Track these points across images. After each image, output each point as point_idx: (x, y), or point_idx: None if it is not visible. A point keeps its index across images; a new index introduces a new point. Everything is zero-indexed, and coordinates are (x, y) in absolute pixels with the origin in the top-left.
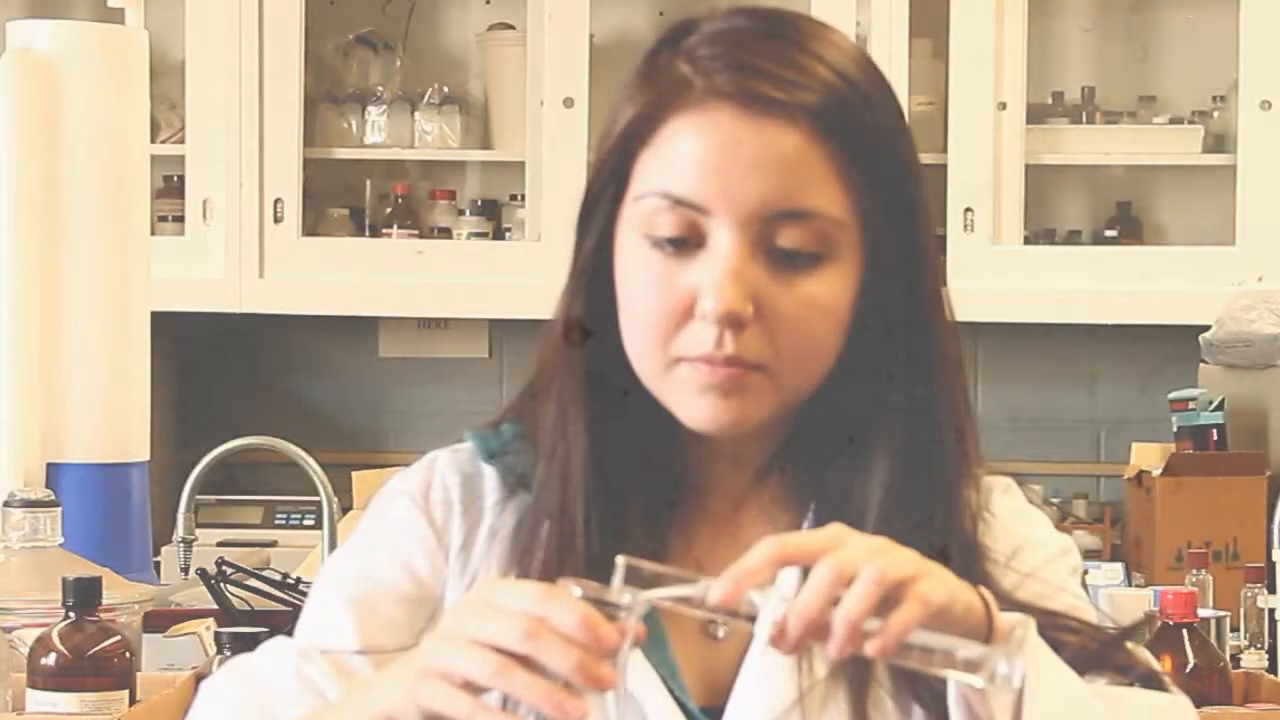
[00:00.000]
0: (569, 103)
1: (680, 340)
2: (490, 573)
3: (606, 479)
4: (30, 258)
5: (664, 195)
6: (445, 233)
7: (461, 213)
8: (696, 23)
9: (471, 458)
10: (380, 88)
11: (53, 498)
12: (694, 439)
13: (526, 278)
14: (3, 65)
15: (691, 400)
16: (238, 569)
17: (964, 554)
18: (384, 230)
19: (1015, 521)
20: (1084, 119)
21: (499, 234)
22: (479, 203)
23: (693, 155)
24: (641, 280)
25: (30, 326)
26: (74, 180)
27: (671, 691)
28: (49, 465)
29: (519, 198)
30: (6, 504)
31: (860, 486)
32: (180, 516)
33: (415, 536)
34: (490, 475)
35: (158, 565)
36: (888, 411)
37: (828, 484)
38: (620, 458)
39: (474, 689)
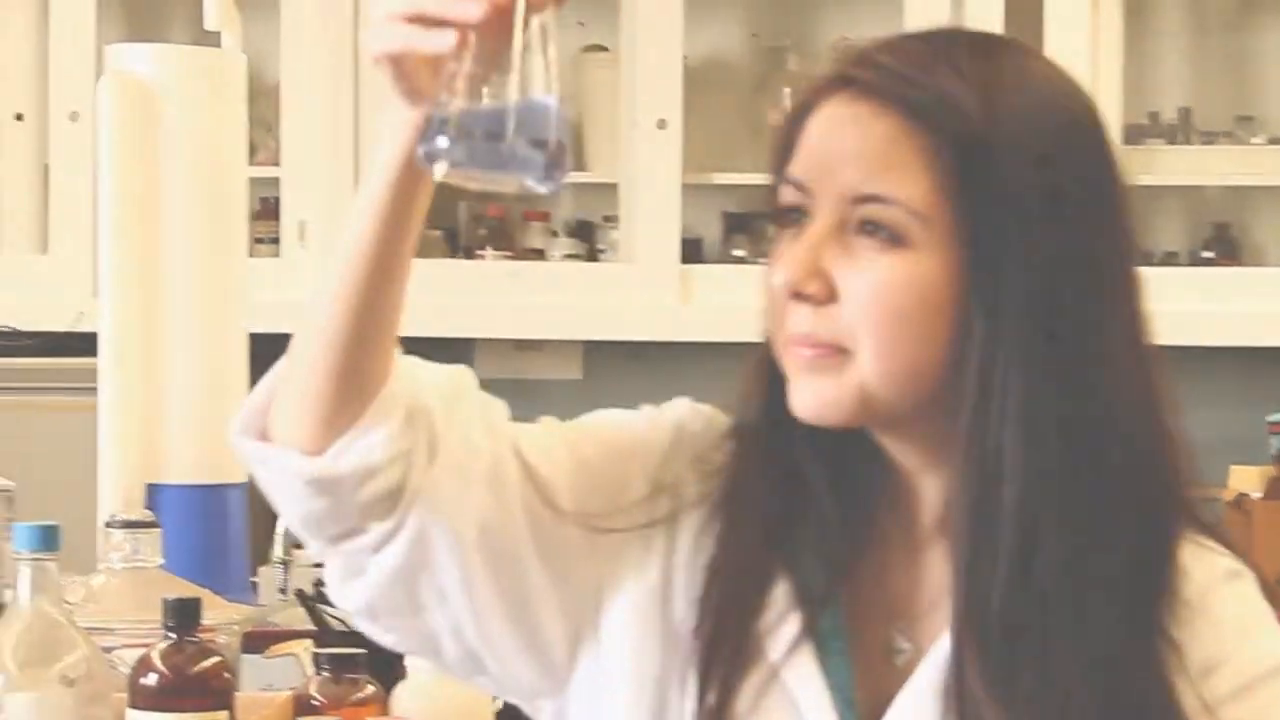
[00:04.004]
0: (662, 124)
1: (786, 323)
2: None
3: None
4: (129, 280)
5: (784, 177)
6: (539, 254)
7: (555, 234)
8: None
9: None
10: None
11: (152, 519)
12: (873, 471)
13: (620, 299)
14: (102, 88)
15: (792, 384)
16: None
17: (1152, 647)
18: (478, 252)
19: (1232, 626)
20: (1181, 139)
21: (592, 255)
22: (572, 224)
23: (807, 138)
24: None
25: (130, 348)
26: (173, 202)
27: (836, 702)
28: (149, 486)
29: (612, 219)
30: (108, 525)
31: (1029, 543)
32: (278, 537)
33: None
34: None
35: (254, 585)
36: (1064, 460)
37: (995, 534)
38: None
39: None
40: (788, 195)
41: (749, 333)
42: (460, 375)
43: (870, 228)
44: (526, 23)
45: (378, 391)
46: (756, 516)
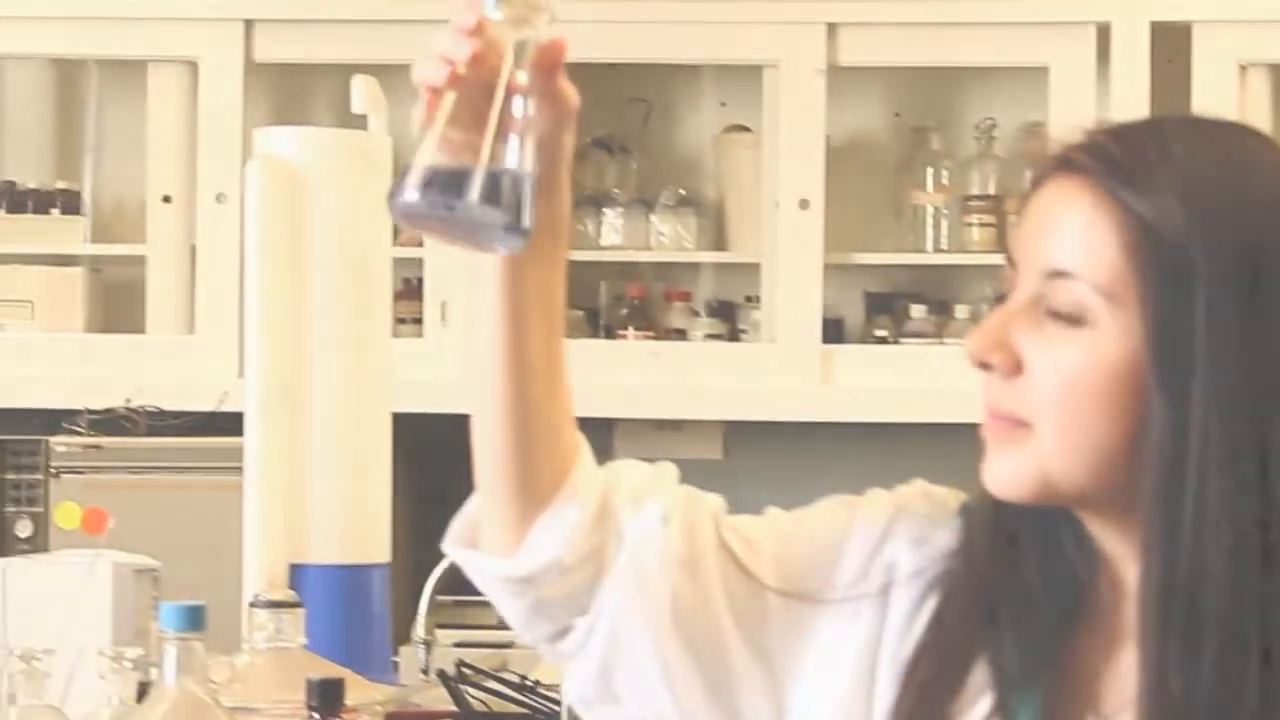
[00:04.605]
0: (804, 204)
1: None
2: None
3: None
4: (275, 360)
5: (1007, 256)
6: (680, 334)
7: (696, 314)
8: None
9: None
10: (616, 190)
11: (296, 599)
12: (1085, 557)
13: (761, 379)
14: (251, 170)
15: (985, 456)
16: (477, 670)
17: None
18: (619, 332)
19: None
20: None
21: (734, 335)
22: (714, 304)
23: (1025, 218)
24: None
25: (275, 429)
26: (318, 283)
27: None
28: (292, 566)
29: (754, 299)
30: (252, 605)
31: (1231, 652)
32: (420, 618)
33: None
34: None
35: (396, 665)
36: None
37: (1189, 635)
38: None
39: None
40: (1006, 272)
41: (890, 413)
42: (661, 471)
43: (1058, 306)
44: (508, 99)
45: (558, 484)
46: (969, 596)
